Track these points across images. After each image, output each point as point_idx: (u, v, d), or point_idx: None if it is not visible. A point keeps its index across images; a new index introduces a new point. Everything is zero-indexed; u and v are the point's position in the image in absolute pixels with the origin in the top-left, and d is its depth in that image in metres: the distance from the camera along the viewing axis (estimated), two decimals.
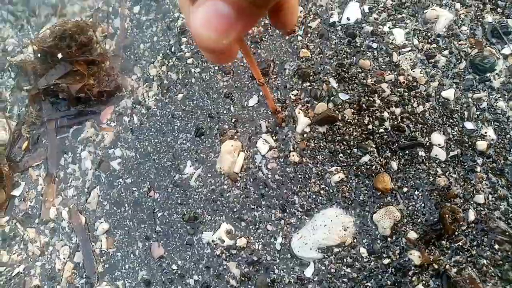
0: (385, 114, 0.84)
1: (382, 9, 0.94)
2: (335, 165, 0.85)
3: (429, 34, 0.89)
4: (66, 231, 1.02)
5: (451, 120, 0.81)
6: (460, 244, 0.73)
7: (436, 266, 0.73)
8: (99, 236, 0.98)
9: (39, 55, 1.12)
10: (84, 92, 1.09)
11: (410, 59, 0.88)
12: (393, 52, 0.89)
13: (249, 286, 0.83)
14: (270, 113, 0.91)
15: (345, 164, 0.84)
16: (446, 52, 0.86)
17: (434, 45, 0.88)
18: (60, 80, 1.09)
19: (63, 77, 1.09)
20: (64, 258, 0.99)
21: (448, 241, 0.74)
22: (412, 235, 0.76)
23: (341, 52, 0.93)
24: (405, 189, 0.79)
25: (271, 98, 0.86)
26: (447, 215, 0.74)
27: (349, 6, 0.97)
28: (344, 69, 0.91)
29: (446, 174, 0.78)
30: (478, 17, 0.87)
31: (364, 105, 0.86)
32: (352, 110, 0.87)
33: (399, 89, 0.86)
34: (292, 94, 0.92)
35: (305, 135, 0.88)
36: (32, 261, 1.02)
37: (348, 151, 0.85)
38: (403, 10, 0.93)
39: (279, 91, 0.94)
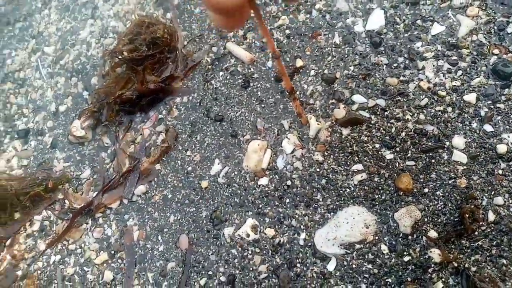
0: (408, 117, 0.88)
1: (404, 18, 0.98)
2: (357, 165, 0.88)
3: (451, 40, 0.92)
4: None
5: (472, 124, 0.84)
6: (480, 243, 0.76)
7: (455, 264, 0.76)
8: (131, 227, 1.04)
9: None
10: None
11: (433, 65, 0.91)
12: (417, 59, 0.93)
13: (273, 280, 0.86)
14: (287, 92, 0.90)
15: (367, 164, 0.88)
16: (468, 59, 0.89)
17: (456, 51, 0.90)
18: None
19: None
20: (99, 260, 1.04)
21: (468, 241, 0.77)
22: (433, 233, 0.79)
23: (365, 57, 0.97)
24: (426, 190, 0.82)
25: (287, 76, 0.80)
26: (467, 215, 0.77)
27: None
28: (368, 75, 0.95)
29: (467, 176, 0.81)
30: (501, 23, 0.90)
31: (387, 109, 0.90)
32: (375, 113, 0.90)
33: (422, 94, 0.89)
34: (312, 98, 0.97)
35: (327, 138, 0.92)
36: (68, 253, 1.08)
37: (371, 152, 0.88)
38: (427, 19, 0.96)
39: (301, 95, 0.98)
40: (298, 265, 0.86)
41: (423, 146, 0.85)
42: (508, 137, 0.80)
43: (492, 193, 0.78)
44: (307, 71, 1.02)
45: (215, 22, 0.40)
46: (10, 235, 1.13)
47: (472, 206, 0.78)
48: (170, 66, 1.14)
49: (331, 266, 0.83)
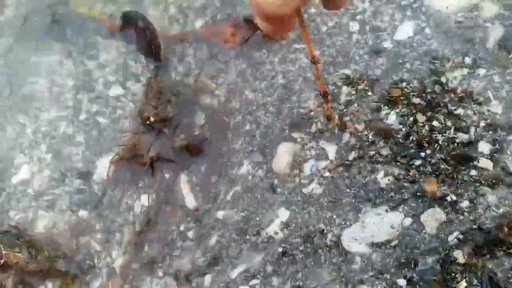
0: (435, 124, 0.92)
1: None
2: (385, 168, 0.92)
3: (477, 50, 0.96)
4: None
5: (497, 134, 0.87)
6: (505, 248, 0.79)
7: (479, 266, 0.78)
8: None
9: None
10: None
11: (461, 75, 0.95)
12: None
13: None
14: (320, 96, 0.93)
15: (395, 167, 0.91)
16: (496, 68, 0.93)
17: (481, 58, 0.94)
18: None
19: None
20: None
21: (493, 245, 0.80)
22: (457, 235, 0.82)
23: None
24: (452, 195, 0.85)
25: (322, 80, 0.85)
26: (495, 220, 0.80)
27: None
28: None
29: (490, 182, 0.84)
30: None
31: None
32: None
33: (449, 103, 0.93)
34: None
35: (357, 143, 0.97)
36: None
37: (400, 157, 0.92)
38: None
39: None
40: (325, 258, 0.89)
41: (451, 152, 0.89)
42: None
43: None
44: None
45: (263, 29, 0.45)
46: None
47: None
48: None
49: (356, 264, 0.87)
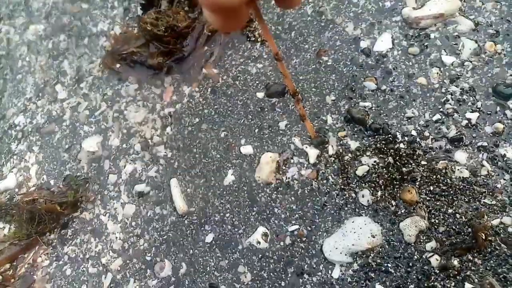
0: (413, 132, 0.93)
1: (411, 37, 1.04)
2: (366, 177, 0.93)
3: (456, 60, 0.98)
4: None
5: (473, 141, 0.89)
6: (481, 254, 0.80)
7: (457, 272, 0.79)
8: None
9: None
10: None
11: (438, 82, 0.97)
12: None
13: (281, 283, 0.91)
14: (290, 95, 0.87)
15: (374, 179, 0.93)
16: (470, 80, 0.95)
17: (459, 70, 0.96)
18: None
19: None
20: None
21: (470, 251, 0.81)
22: (435, 243, 0.83)
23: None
24: (431, 204, 0.86)
25: (290, 78, 0.77)
26: (472, 227, 0.81)
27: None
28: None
29: (468, 191, 0.86)
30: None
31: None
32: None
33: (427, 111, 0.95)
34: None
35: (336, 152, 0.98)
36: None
37: (378, 167, 0.93)
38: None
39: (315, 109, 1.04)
40: (306, 268, 0.90)
41: (424, 160, 0.90)
42: (506, 152, 0.86)
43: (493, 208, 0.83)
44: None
45: (211, 23, 0.38)
46: None
47: (477, 221, 0.82)
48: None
49: (336, 272, 0.87)
